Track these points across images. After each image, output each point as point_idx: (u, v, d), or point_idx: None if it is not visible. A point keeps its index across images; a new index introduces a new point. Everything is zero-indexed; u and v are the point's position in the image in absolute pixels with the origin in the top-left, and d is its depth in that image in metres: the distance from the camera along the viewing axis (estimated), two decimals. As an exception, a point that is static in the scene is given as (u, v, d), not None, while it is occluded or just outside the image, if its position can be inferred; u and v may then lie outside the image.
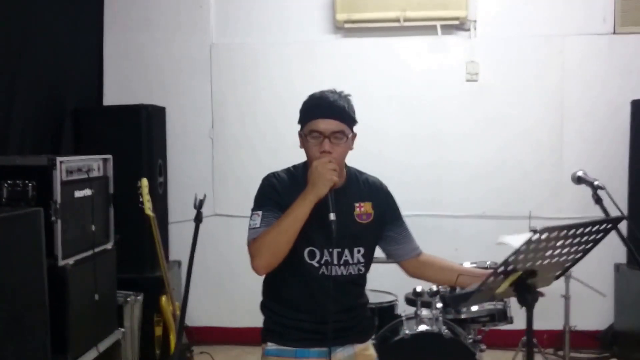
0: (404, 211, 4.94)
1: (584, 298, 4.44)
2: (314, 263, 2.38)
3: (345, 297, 2.44)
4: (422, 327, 3.79)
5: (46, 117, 4.75)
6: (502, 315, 4.14)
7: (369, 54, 5.52)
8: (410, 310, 4.02)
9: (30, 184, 3.49)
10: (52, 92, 4.83)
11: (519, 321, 4.34)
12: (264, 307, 2.53)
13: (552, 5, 5.40)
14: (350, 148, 2.43)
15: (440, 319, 3.88)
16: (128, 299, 4.36)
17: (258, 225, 2.32)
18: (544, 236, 1.96)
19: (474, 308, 4.07)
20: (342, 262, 2.41)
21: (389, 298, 4.25)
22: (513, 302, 4.20)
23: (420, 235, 5.49)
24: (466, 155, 5.46)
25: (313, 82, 5.30)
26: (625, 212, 5.25)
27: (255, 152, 5.30)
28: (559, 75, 5.38)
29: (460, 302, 3.92)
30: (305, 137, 2.37)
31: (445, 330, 3.71)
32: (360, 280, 2.52)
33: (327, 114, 2.33)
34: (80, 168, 3.77)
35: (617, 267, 5.20)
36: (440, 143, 5.48)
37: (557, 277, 2.38)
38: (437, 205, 5.47)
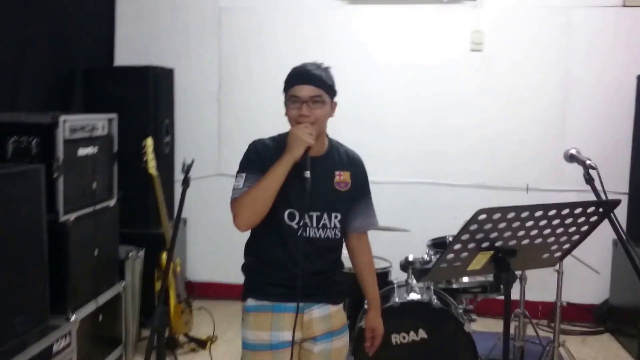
0: (405, 178, 5.02)
1: (581, 272, 4.47)
2: (293, 225, 2.50)
3: (321, 259, 2.57)
4: (412, 296, 3.87)
5: (57, 76, 4.85)
6: (494, 287, 4.22)
7: (374, 21, 5.53)
8: (404, 277, 4.11)
9: (34, 141, 3.56)
10: (64, 52, 4.91)
11: (512, 291, 4.43)
12: (245, 267, 2.66)
13: (559, -25, 5.33)
14: (330, 115, 2.55)
15: (432, 288, 3.96)
16: (129, 254, 4.45)
17: (241, 186, 2.46)
18: (481, 217, 2.01)
19: (465, 279, 4.15)
20: (320, 225, 2.54)
21: (384, 264, 4.33)
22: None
23: (419, 204, 5.60)
24: (468, 124, 5.49)
25: (319, 47, 5.37)
26: (627, 188, 5.30)
27: (261, 115, 5.33)
28: (564, 47, 5.36)
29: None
30: (286, 103, 2.54)
31: (435, 300, 3.79)
32: (336, 245, 2.64)
33: (305, 81, 2.49)
34: (84, 127, 3.83)
35: (615, 243, 5.23)
36: (442, 112, 5.52)
37: (562, 258, 2.43)
38: (437, 174, 5.52)
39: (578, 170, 2.51)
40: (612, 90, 5.34)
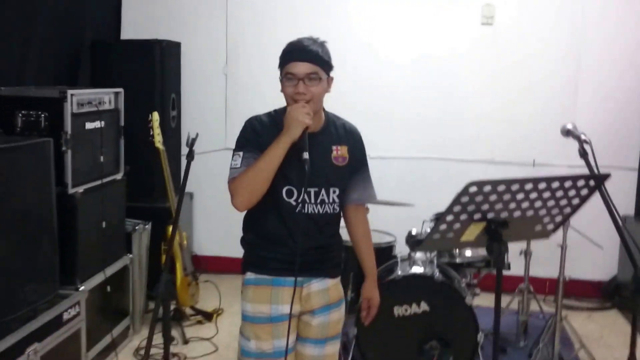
0: (411, 154, 4.94)
1: (589, 250, 4.49)
2: (292, 201, 2.51)
3: (319, 234, 2.59)
4: (415, 269, 3.92)
5: (64, 49, 4.87)
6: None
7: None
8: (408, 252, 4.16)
9: (42, 115, 3.61)
10: (71, 25, 4.93)
11: (516, 267, 4.48)
12: (244, 241, 2.67)
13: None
14: (327, 91, 2.52)
15: (435, 261, 4.01)
16: (137, 227, 4.50)
17: (239, 166, 2.45)
18: (472, 189, 2.04)
19: (469, 254, 4.19)
20: (318, 200, 2.54)
21: (388, 239, 4.38)
22: (511, 249, 4.33)
23: (426, 178, 5.61)
24: (477, 99, 5.49)
25: (327, 23, 5.35)
26: (637, 163, 5.30)
27: (268, 89, 5.27)
28: (578, 21, 5.31)
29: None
30: (282, 80, 2.49)
31: (437, 273, 3.83)
32: (334, 219, 2.66)
33: (300, 58, 2.44)
34: (91, 101, 3.87)
35: (624, 219, 5.24)
36: (452, 86, 5.51)
37: (555, 230, 2.44)
38: (444, 150, 5.53)
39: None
40: (625, 65, 5.31)
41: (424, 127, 5.53)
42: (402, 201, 4.42)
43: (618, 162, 5.30)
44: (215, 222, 5.81)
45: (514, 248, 4.40)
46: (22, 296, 3.15)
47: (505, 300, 4.70)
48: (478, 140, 5.49)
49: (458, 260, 4.17)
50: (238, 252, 2.67)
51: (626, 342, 4.09)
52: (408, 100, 5.53)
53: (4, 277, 3.04)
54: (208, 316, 4.81)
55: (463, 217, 2.17)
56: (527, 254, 4.44)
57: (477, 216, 2.19)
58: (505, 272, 4.34)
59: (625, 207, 5.24)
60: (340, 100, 2.70)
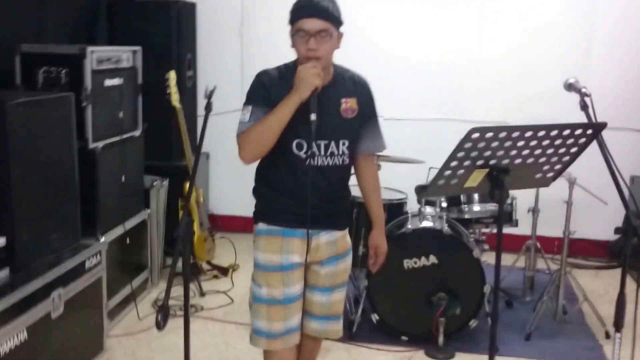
0: (425, 115, 4.99)
1: (597, 209, 4.56)
2: (301, 154, 2.59)
3: (328, 186, 2.67)
4: (425, 224, 4.04)
5: (82, 9, 4.96)
6: (506, 217, 4.36)
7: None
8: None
9: (63, 71, 3.72)
10: (88, -16, 5.01)
11: (525, 227, 4.57)
12: (256, 192, 2.77)
13: None
14: (337, 47, 2.57)
15: (444, 217, 4.12)
16: (154, 183, 4.64)
17: (247, 120, 2.54)
18: (474, 135, 2.15)
19: (477, 208, 4.29)
20: (328, 153, 2.62)
21: (400, 196, 4.48)
22: (519, 207, 4.42)
23: (438, 140, 5.69)
24: (489, 60, 5.52)
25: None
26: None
27: (283, 49, 5.37)
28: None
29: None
30: (293, 36, 2.54)
31: (446, 228, 3.94)
32: (344, 172, 2.74)
33: (312, 14, 2.47)
34: (110, 58, 3.97)
35: (632, 179, 5.31)
36: (463, 48, 5.54)
37: (554, 178, 2.56)
38: (458, 111, 5.56)
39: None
40: (637, 23, 5.32)
41: (438, 90, 5.58)
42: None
43: (631, 124, 5.37)
44: (230, 183, 5.91)
45: (522, 206, 4.50)
46: (46, 244, 3.31)
47: (513, 257, 4.83)
48: (492, 103, 5.53)
49: (467, 215, 4.28)
50: (251, 211, 2.76)
51: (630, 299, 4.19)
52: (421, 61, 5.58)
53: (30, 225, 3.18)
54: (224, 271, 4.96)
55: (466, 163, 2.28)
56: (534, 211, 4.54)
57: (479, 162, 2.29)
58: (513, 231, 4.50)
59: (634, 167, 5.29)
60: (355, 66, 2.76)
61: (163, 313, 2.22)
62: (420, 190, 4.27)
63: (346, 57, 2.66)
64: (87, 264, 3.54)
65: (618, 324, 2.44)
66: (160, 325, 2.22)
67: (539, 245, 4.68)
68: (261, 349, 2.79)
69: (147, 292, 4.57)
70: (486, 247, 4.48)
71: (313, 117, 2.47)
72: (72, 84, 3.71)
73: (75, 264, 3.43)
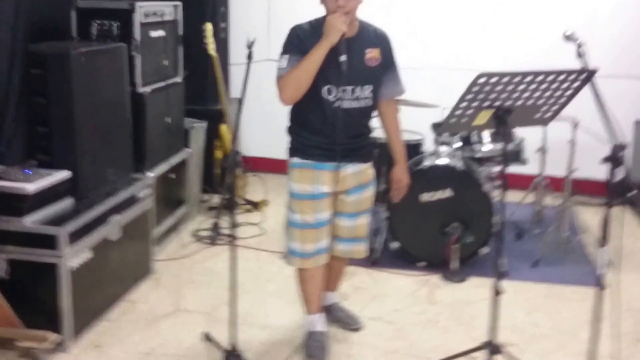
0: (442, 64, 5.18)
1: (602, 151, 4.85)
2: (331, 98, 2.98)
3: (354, 125, 3.07)
4: (440, 161, 4.39)
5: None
6: (515, 156, 4.69)
7: None
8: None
9: (115, 24, 4.10)
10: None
11: (533, 166, 4.90)
12: (290, 130, 3.17)
13: None
14: (361, 1, 2.91)
15: (458, 155, 4.47)
16: (194, 125, 5.05)
17: (285, 66, 2.91)
18: (481, 80, 2.50)
19: (488, 147, 4.63)
20: (354, 97, 3.00)
21: (417, 137, 4.84)
22: (529, 146, 4.72)
23: (455, 89, 5.93)
24: (506, 11, 5.75)
25: None
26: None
27: (308, 4, 5.67)
28: None
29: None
30: None
31: (460, 164, 4.29)
32: (368, 112, 3.13)
33: None
34: (155, 12, 4.34)
35: (637, 124, 5.56)
36: (481, 3, 5.80)
37: (552, 118, 2.90)
38: (475, 61, 5.68)
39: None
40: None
41: (454, 43, 5.84)
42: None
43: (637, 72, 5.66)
44: (259, 127, 6.25)
45: (532, 146, 4.83)
46: (104, 177, 3.76)
47: (523, 194, 5.20)
48: (507, 52, 5.73)
49: (478, 155, 4.60)
50: (279, 154, 3.13)
51: (630, 232, 4.53)
52: (439, 15, 5.85)
53: (90, 161, 3.64)
54: (256, 205, 5.38)
55: (475, 104, 2.66)
56: (543, 150, 4.88)
57: (486, 104, 2.67)
58: (523, 170, 4.85)
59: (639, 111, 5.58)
60: (374, 20, 3.09)
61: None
62: (436, 126, 4.62)
63: (367, 14, 2.97)
64: (139, 194, 3.99)
65: (602, 242, 2.80)
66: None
67: (547, 182, 5.02)
68: (294, 268, 3.25)
69: (186, 224, 5.00)
70: (497, 182, 4.82)
71: (343, 57, 2.85)
72: (122, 35, 4.09)
73: (128, 195, 3.88)
